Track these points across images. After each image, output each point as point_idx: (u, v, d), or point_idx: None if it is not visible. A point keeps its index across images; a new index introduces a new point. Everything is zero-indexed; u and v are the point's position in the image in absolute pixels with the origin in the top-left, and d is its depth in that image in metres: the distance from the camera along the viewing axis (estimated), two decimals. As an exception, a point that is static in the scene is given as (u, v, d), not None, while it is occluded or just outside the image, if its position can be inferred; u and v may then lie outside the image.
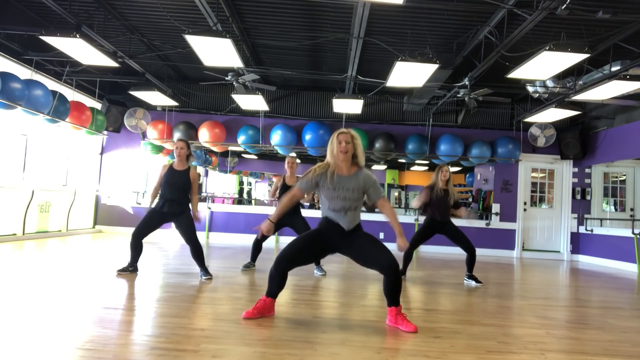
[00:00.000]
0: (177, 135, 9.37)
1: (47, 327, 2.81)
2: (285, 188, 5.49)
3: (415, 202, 5.62)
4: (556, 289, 5.87)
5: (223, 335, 2.84)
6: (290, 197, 3.40)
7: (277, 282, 3.27)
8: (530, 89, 7.85)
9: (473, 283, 5.40)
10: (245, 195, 16.38)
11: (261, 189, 17.40)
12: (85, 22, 6.25)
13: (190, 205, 4.85)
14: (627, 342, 3.26)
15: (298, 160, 5.80)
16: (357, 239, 3.26)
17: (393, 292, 3.21)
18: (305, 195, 5.41)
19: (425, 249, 9.16)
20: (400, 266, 5.52)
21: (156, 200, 4.92)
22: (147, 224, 4.78)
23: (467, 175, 13.57)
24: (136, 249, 4.79)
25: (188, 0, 5.85)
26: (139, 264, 4.93)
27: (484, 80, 7.43)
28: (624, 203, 9.79)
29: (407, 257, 5.56)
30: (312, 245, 3.32)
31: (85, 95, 9.17)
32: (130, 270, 4.79)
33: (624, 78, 5.91)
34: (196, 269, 4.92)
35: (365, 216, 10.07)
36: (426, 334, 3.11)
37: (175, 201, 4.74)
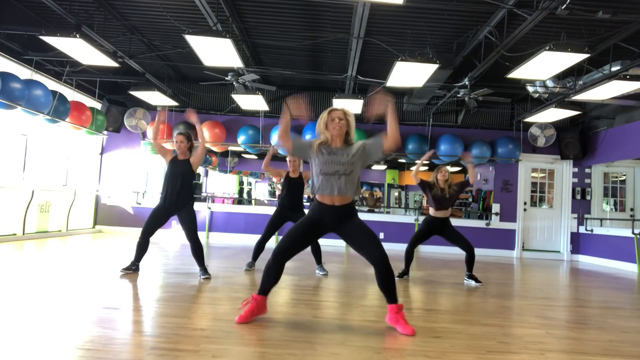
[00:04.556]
0: (175, 132, 9.36)
1: (47, 327, 2.81)
2: (288, 181, 5.48)
3: (414, 171, 5.62)
4: (556, 289, 5.87)
5: (223, 335, 2.84)
6: (283, 131, 3.24)
7: (272, 275, 3.21)
8: (530, 89, 7.85)
9: (473, 283, 5.40)
10: (245, 195, 16.38)
11: (261, 189, 17.39)
12: (85, 22, 6.25)
13: (193, 200, 4.92)
14: (627, 342, 3.26)
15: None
16: (351, 226, 3.22)
17: (387, 287, 3.18)
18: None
19: (425, 249, 9.16)
20: (402, 266, 5.58)
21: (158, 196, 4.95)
22: (154, 220, 4.79)
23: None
24: (142, 247, 4.82)
25: (188, 0, 5.85)
26: (141, 264, 4.93)
27: (484, 80, 7.43)
28: (624, 203, 9.79)
29: (408, 257, 5.56)
30: (306, 231, 3.27)
31: (85, 95, 9.17)
32: (133, 269, 4.80)
33: (624, 78, 5.91)
34: (196, 269, 4.92)
35: (365, 216, 10.06)
36: (426, 334, 3.11)
37: (178, 194, 4.76)
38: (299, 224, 3.29)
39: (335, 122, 3.17)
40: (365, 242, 3.19)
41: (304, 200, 5.88)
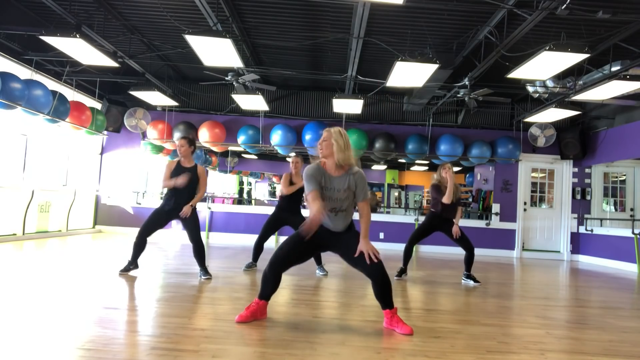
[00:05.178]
0: (177, 135, 9.37)
1: (47, 327, 2.81)
2: (292, 185, 5.48)
3: (446, 198, 5.25)
4: (556, 289, 5.87)
5: (223, 335, 2.84)
6: (319, 207, 3.05)
7: (270, 283, 3.23)
8: (530, 89, 7.85)
9: (471, 282, 5.40)
10: (245, 195, 16.39)
11: (261, 189, 17.40)
12: (85, 22, 6.25)
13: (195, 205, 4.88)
14: (627, 342, 3.26)
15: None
16: (348, 239, 3.22)
17: (383, 296, 3.18)
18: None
19: (425, 249, 9.16)
20: (401, 264, 5.57)
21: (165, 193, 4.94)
22: (154, 222, 4.78)
23: (467, 175, 13.57)
24: (139, 247, 4.80)
25: (188, 0, 5.85)
26: (139, 261, 4.93)
27: (484, 80, 7.43)
28: (624, 203, 9.79)
29: (407, 254, 5.54)
30: (304, 245, 3.22)
31: (85, 95, 9.17)
32: (131, 268, 4.80)
33: (624, 78, 5.91)
34: (196, 269, 4.92)
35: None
36: (426, 334, 3.11)
37: (183, 199, 4.74)
38: (297, 236, 3.23)
39: (320, 144, 3.19)
40: (362, 256, 3.14)
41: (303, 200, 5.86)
